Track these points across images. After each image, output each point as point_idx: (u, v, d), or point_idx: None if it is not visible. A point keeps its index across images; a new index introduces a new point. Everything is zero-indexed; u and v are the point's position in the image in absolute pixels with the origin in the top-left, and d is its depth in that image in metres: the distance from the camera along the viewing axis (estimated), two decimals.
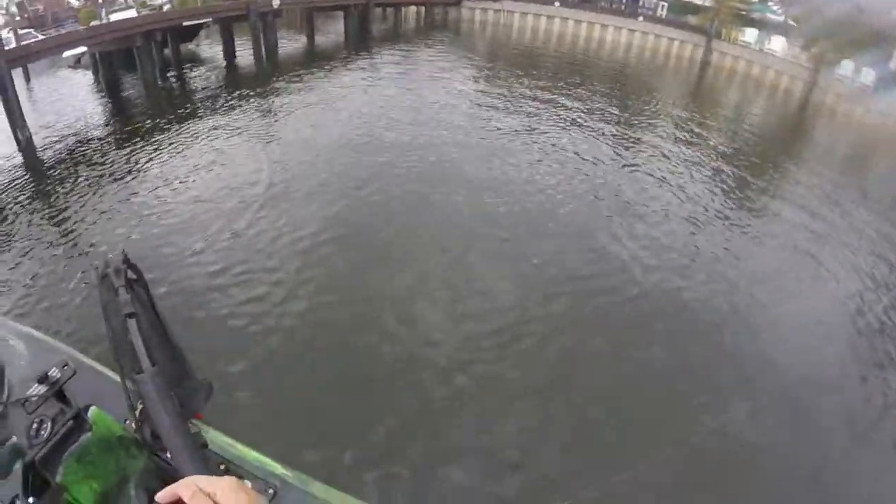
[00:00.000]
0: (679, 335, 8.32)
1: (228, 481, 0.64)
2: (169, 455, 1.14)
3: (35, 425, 1.45)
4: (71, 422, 1.46)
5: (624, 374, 7.28)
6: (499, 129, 17.83)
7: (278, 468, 1.33)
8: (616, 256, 10.70)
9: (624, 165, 16.14)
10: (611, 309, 8.85)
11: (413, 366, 7.19)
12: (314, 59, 26.88)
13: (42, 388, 1.47)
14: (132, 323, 0.97)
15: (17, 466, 1.32)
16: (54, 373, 1.49)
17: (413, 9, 37.20)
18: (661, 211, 13.11)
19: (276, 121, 18.04)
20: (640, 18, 33.47)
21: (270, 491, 1.25)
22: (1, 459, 1.50)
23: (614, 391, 6.96)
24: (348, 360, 7.15)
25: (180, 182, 12.79)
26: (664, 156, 17.14)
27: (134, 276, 1.02)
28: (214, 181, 12.88)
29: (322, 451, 5.42)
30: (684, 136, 19.38)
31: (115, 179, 13.00)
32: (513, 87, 23.27)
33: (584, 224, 12.10)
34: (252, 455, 1.39)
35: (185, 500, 0.62)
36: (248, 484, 0.95)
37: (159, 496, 0.68)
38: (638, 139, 18.65)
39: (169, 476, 1.55)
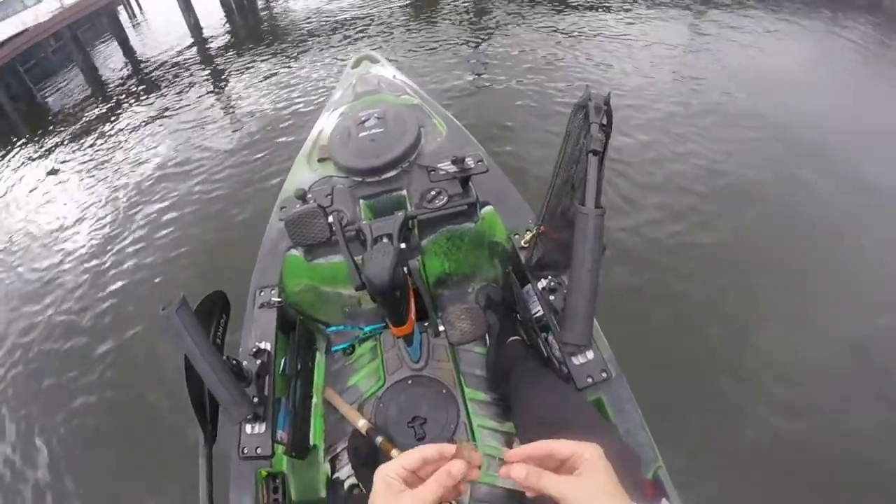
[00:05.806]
0: None
1: (594, 447, 0.56)
2: (567, 285, 1.07)
3: (433, 192, 1.60)
4: (465, 206, 1.58)
5: None
6: None
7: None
8: None
9: None
10: None
11: None
12: None
13: (452, 168, 1.57)
14: (593, 159, 0.95)
15: (399, 214, 1.41)
16: (469, 161, 1.56)
17: None
18: None
19: None
20: None
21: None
22: (387, 202, 1.68)
23: None
24: None
25: None
26: None
27: (605, 122, 1.00)
28: None
29: None
30: None
31: None
32: None
33: None
34: None
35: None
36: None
37: (511, 453, 0.59)
38: None
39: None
